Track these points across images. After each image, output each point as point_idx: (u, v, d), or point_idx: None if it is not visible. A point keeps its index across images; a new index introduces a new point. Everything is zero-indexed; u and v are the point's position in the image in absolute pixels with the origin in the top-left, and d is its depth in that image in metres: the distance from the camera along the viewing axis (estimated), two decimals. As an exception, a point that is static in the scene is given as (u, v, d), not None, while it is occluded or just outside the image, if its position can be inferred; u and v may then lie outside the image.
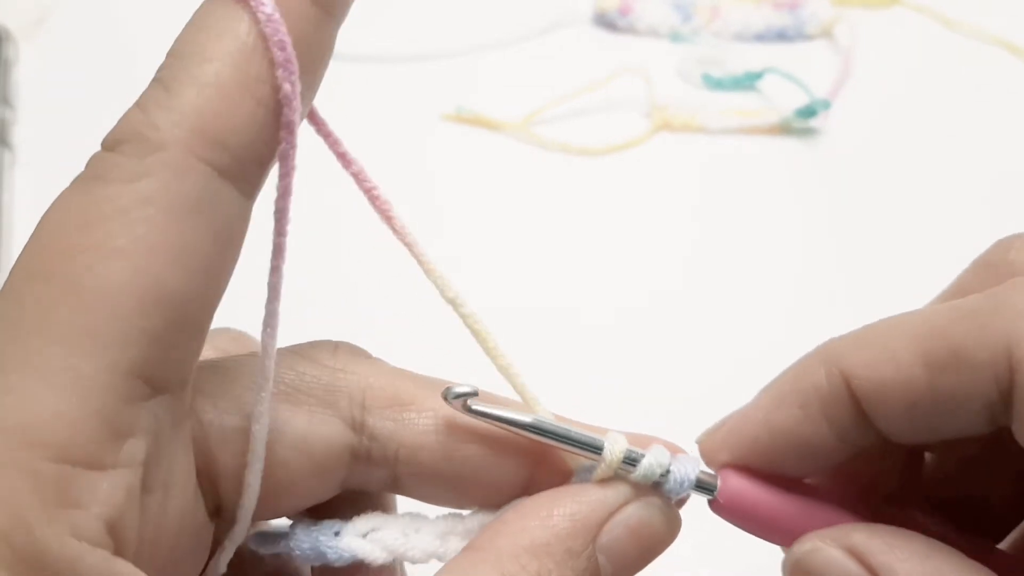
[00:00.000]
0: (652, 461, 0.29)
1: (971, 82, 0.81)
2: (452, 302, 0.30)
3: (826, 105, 0.74)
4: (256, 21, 0.24)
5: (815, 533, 0.30)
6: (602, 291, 0.63)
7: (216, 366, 0.29)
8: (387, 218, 0.30)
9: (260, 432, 0.27)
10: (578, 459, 0.30)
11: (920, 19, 0.88)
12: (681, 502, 0.31)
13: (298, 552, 0.30)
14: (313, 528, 0.30)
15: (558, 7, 0.87)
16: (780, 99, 0.77)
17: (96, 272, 0.23)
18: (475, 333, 0.30)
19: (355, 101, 0.79)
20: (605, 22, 0.87)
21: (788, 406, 0.29)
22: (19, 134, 0.73)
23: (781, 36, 0.86)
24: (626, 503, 0.29)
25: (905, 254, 0.65)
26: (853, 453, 0.30)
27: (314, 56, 0.27)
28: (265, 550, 0.31)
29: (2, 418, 0.22)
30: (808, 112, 0.74)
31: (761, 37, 0.86)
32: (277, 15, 0.24)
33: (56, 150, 0.54)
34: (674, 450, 0.30)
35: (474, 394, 0.29)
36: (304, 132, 0.27)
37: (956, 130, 0.76)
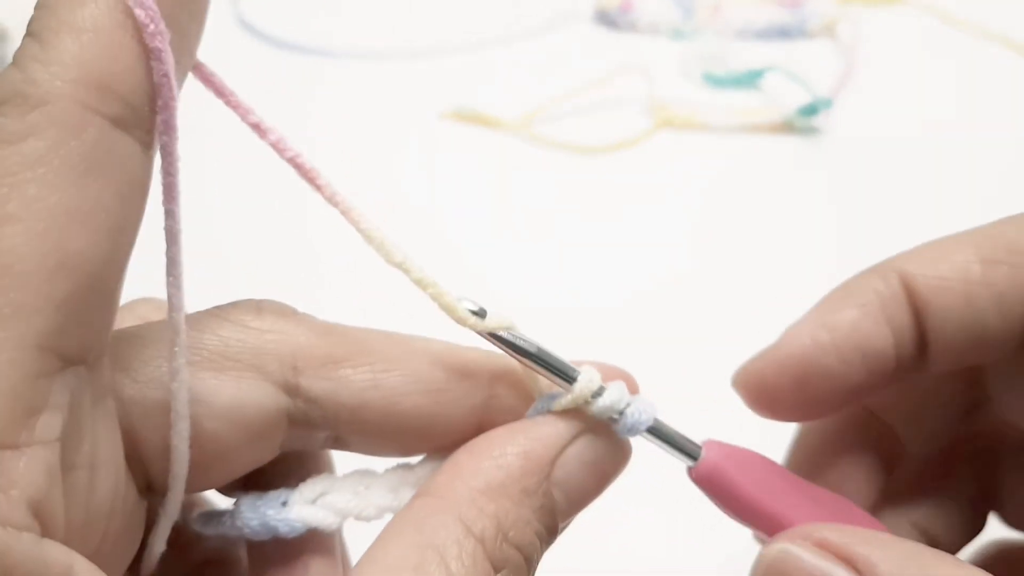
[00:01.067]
0: (613, 397, 0.28)
1: (973, 80, 0.81)
2: (400, 267, 0.29)
3: (828, 103, 0.74)
4: None
5: (784, 534, 0.29)
6: (603, 288, 0.63)
7: (132, 336, 0.27)
8: (317, 186, 0.28)
9: (180, 391, 0.26)
10: (539, 393, 0.29)
11: (923, 17, 0.88)
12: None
13: (247, 530, 0.28)
14: (259, 502, 0.28)
15: (559, 5, 0.87)
16: (782, 97, 0.77)
17: None
18: (433, 296, 0.29)
19: (355, 99, 0.79)
20: (606, 20, 0.87)
21: (847, 307, 0.30)
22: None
23: (783, 34, 0.85)
24: (577, 436, 0.28)
25: (907, 253, 0.65)
26: (899, 375, 0.30)
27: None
28: (210, 530, 0.29)
29: None
30: (810, 110, 0.74)
31: (763, 35, 0.85)
32: None
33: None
34: (634, 389, 0.29)
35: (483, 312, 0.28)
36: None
37: (958, 128, 0.75)
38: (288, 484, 0.29)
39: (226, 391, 0.27)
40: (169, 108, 0.23)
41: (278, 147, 0.28)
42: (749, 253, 0.66)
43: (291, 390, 0.28)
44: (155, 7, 0.22)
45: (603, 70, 0.77)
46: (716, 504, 0.30)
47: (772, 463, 0.31)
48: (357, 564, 0.25)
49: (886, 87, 0.80)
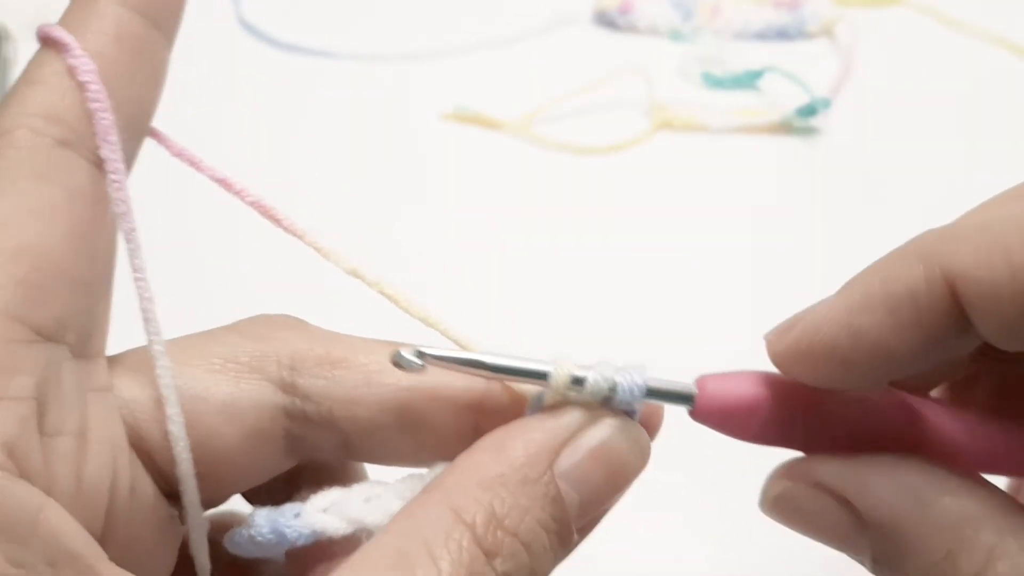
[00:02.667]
0: (597, 376, 0.28)
1: (972, 81, 0.81)
2: (354, 274, 0.30)
3: (827, 104, 0.74)
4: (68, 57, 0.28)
5: (785, 468, 0.29)
6: (602, 290, 0.63)
7: (133, 352, 0.30)
8: (274, 219, 0.31)
9: (164, 375, 0.28)
10: (529, 393, 0.29)
11: (921, 18, 0.88)
12: (653, 428, 0.30)
13: (260, 538, 0.29)
14: (273, 512, 0.30)
15: (558, 6, 0.87)
16: (781, 98, 0.77)
17: None
18: (389, 298, 0.30)
19: (355, 99, 0.79)
20: (605, 21, 0.87)
21: (876, 311, 0.26)
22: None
23: (782, 35, 0.86)
24: (584, 427, 0.28)
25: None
26: (937, 365, 0.27)
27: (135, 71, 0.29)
28: (236, 547, 0.30)
29: None
30: (809, 111, 0.74)
31: (762, 36, 0.85)
32: (83, 55, 0.28)
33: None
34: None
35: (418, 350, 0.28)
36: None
37: (957, 129, 0.76)
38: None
39: (223, 388, 0.29)
40: (104, 124, 0.28)
41: (225, 184, 0.31)
42: (748, 253, 0.66)
43: (288, 388, 0.30)
44: (84, 55, 0.27)
45: (602, 71, 0.77)
46: (727, 434, 0.30)
47: (774, 377, 0.30)
48: (351, 558, 0.25)
49: (884, 88, 0.80)
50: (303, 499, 0.30)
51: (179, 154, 0.31)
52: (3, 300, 0.25)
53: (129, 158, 0.28)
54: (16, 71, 0.76)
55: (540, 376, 0.28)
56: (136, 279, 0.28)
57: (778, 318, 0.30)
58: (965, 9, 0.87)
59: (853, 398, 0.29)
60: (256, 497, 0.32)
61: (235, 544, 0.30)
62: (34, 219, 0.26)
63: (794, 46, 0.85)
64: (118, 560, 0.26)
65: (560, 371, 0.28)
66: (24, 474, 0.24)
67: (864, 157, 0.73)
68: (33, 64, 0.28)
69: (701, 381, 0.30)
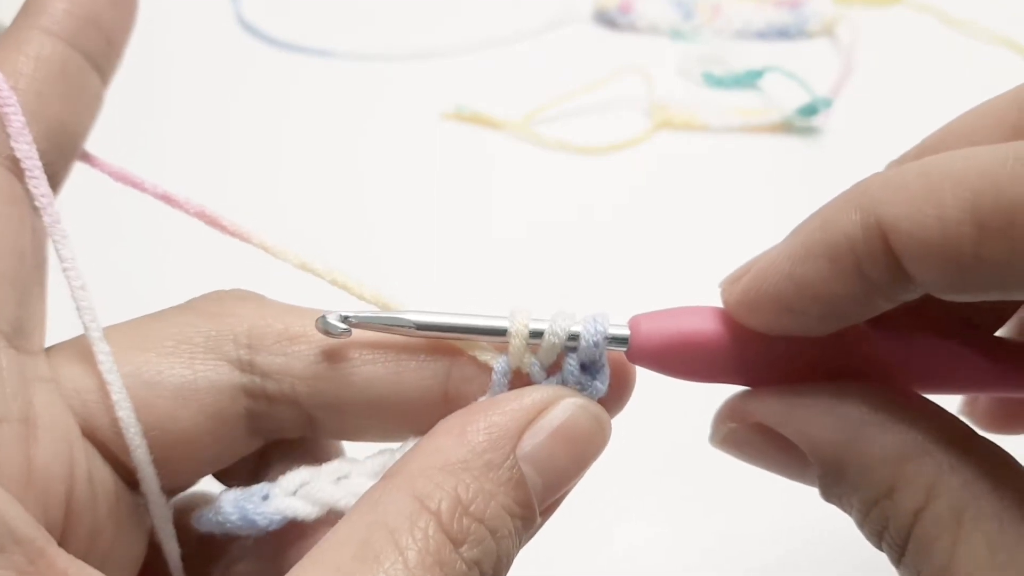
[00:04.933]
0: (555, 326, 0.28)
1: (972, 80, 0.81)
2: (304, 268, 0.30)
3: (827, 103, 0.74)
4: None
5: (727, 409, 0.29)
6: (603, 289, 0.63)
7: (75, 342, 0.29)
8: (219, 227, 0.30)
9: (105, 361, 0.28)
10: (490, 355, 0.29)
11: (921, 17, 0.88)
12: (617, 399, 0.29)
13: (229, 524, 0.29)
14: (240, 496, 0.29)
15: (558, 5, 0.87)
16: (781, 97, 0.77)
17: None
18: (340, 286, 0.30)
19: (355, 99, 0.79)
20: (606, 20, 0.87)
21: (816, 258, 0.26)
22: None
23: (782, 34, 0.86)
24: (545, 408, 0.27)
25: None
26: (885, 308, 0.26)
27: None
28: (203, 526, 0.30)
29: None
30: (809, 110, 0.74)
31: (762, 35, 0.85)
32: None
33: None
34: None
35: (347, 316, 0.28)
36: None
37: (958, 128, 0.76)
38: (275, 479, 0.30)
39: (177, 372, 0.28)
40: (16, 128, 0.28)
41: (169, 200, 0.31)
42: (748, 253, 0.66)
43: (245, 366, 0.29)
44: (6, 87, 0.28)
45: (602, 71, 0.77)
46: (668, 374, 0.29)
47: (714, 311, 0.29)
48: (314, 547, 0.25)
49: (885, 87, 0.80)
50: (272, 479, 0.29)
51: (120, 177, 0.30)
52: None
53: (56, 181, 0.28)
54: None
55: (498, 332, 0.28)
56: (64, 269, 0.28)
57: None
58: (965, 9, 0.86)
59: None
60: (227, 476, 0.32)
61: (203, 524, 0.30)
62: None
63: (795, 46, 0.85)
64: (83, 551, 0.25)
65: (518, 321, 0.28)
66: None
67: (864, 156, 0.73)
68: None
69: (634, 320, 0.29)
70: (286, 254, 0.30)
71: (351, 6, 0.89)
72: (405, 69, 0.81)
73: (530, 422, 0.27)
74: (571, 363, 0.28)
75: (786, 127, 0.75)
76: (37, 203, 0.27)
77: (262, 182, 0.69)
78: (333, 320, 0.28)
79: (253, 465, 0.32)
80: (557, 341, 0.28)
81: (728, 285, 0.29)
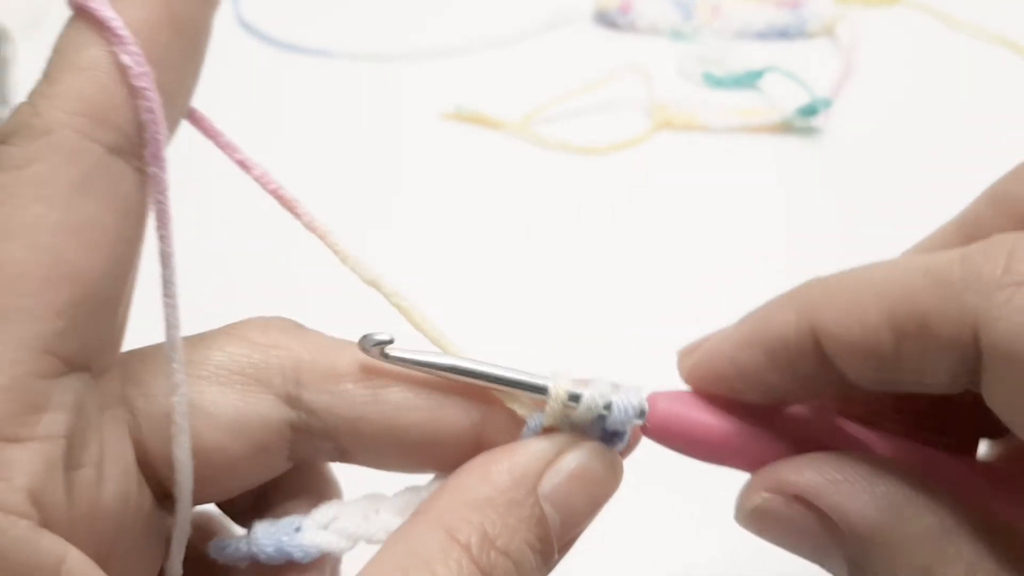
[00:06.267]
0: (594, 393, 0.29)
1: (972, 80, 0.81)
2: (373, 284, 0.30)
3: (827, 104, 0.74)
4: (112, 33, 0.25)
5: (759, 480, 0.30)
6: (603, 290, 0.63)
7: (144, 354, 0.28)
8: (296, 214, 0.31)
9: (180, 405, 0.27)
10: (526, 409, 0.29)
11: (921, 17, 0.88)
12: (628, 450, 0.31)
13: (263, 555, 0.29)
14: (273, 528, 0.29)
15: (558, 5, 0.87)
16: (781, 98, 0.77)
17: None
18: (402, 310, 0.30)
19: (355, 99, 0.79)
20: (606, 20, 0.87)
21: (754, 350, 0.30)
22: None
23: (782, 34, 0.85)
24: (563, 452, 0.29)
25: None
26: (819, 393, 0.30)
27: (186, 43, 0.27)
28: (225, 557, 0.30)
29: None
30: (809, 111, 0.74)
31: (762, 35, 0.85)
32: (126, 34, 0.25)
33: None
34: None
35: (390, 341, 0.28)
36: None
37: (957, 128, 0.75)
38: (295, 499, 0.31)
39: (230, 404, 0.28)
40: (156, 141, 0.25)
41: (262, 181, 0.30)
42: (749, 253, 0.66)
43: (293, 402, 0.29)
44: (140, 51, 0.24)
45: (602, 71, 0.77)
46: (682, 452, 0.31)
47: (728, 399, 0.31)
48: None
49: (885, 87, 0.80)
50: (271, 506, 0.30)
51: (222, 142, 0.30)
52: (38, 332, 0.23)
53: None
54: (15, 71, 0.76)
55: (540, 390, 0.29)
56: (166, 303, 0.27)
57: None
58: (965, 8, 0.86)
59: (795, 416, 0.31)
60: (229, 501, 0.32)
61: (222, 553, 0.30)
62: (76, 239, 0.24)
63: (795, 46, 0.85)
64: (116, 571, 0.25)
65: (560, 386, 0.29)
66: (47, 521, 0.23)
67: (865, 157, 0.73)
68: (73, 44, 0.25)
69: (652, 398, 0.30)
70: (358, 265, 0.30)
71: (351, 6, 0.89)
72: (405, 69, 0.81)
73: (549, 464, 0.28)
74: (597, 426, 0.30)
75: (786, 127, 0.75)
76: (158, 231, 0.26)
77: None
78: (375, 353, 0.29)
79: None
80: (593, 410, 0.29)
81: (683, 357, 0.32)
